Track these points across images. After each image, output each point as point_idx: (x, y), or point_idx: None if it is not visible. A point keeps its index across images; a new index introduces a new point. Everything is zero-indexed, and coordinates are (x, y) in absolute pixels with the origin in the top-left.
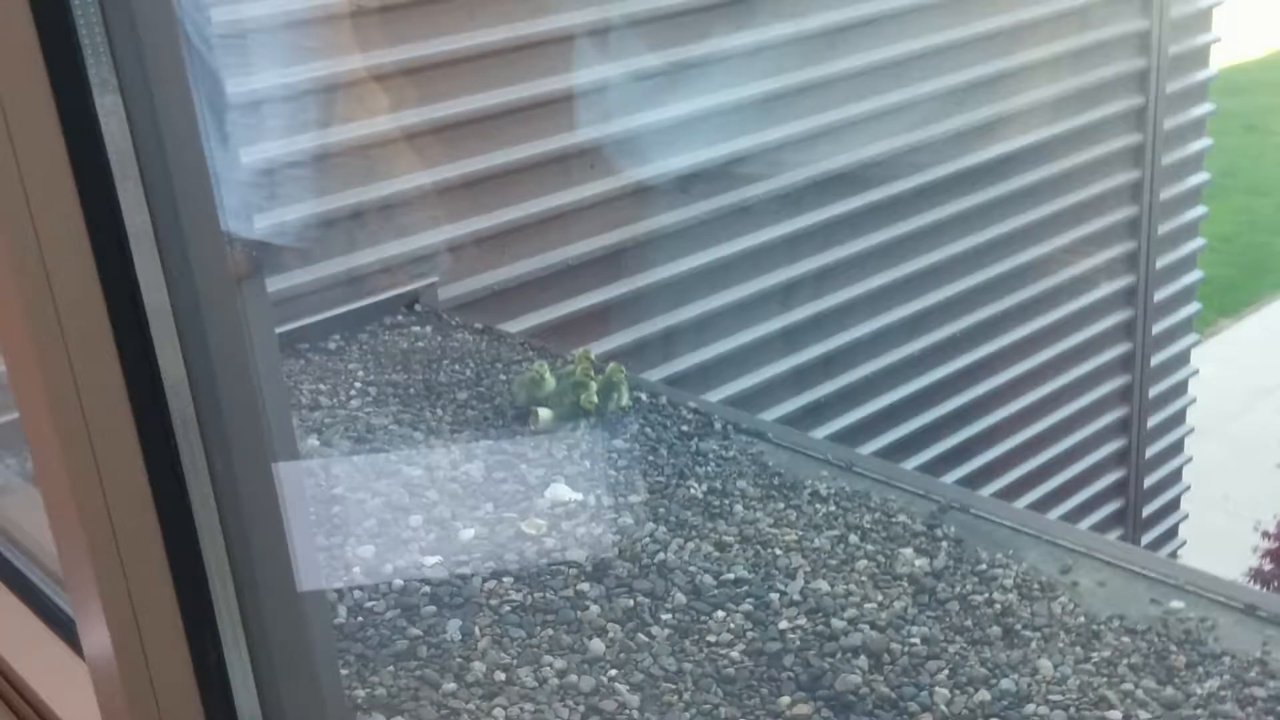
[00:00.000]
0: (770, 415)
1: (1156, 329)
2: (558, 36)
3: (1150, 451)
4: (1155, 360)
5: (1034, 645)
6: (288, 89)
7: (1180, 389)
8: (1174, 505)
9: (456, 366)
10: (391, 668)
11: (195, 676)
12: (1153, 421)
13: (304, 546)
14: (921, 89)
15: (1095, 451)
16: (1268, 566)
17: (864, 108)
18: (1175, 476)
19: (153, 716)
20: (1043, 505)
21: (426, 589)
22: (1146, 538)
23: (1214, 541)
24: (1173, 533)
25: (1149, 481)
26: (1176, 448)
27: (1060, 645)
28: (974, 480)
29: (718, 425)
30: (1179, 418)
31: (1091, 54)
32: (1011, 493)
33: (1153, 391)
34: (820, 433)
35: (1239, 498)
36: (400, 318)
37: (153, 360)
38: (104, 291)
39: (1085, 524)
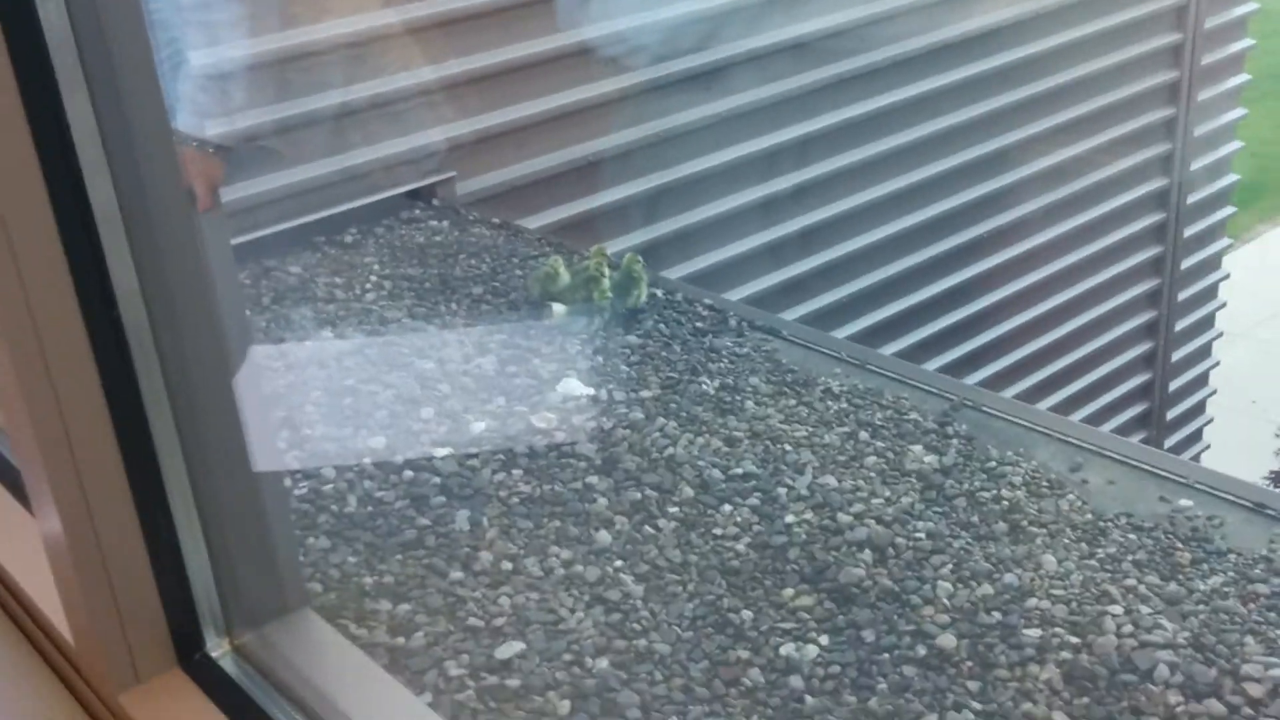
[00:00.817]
0: (792, 315)
1: (1188, 232)
2: None
3: (1177, 355)
4: (1185, 264)
5: (1039, 541)
6: None
7: (1210, 293)
8: (1199, 409)
9: (472, 261)
10: (400, 556)
11: (148, 553)
12: (1180, 325)
13: (259, 428)
14: None
15: (1122, 354)
16: None
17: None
18: (1201, 380)
19: (106, 593)
20: (1068, 407)
21: (436, 480)
22: (1170, 441)
23: (1240, 445)
24: (1197, 436)
25: (1174, 385)
26: (1204, 352)
27: (1065, 541)
28: (998, 381)
29: (733, 322)
30: (1207, 322)
31: None
32: (1036, 394)
33: (1182, 295)
34: (844, 332)
35: (1267, 401)
36: (418, 212)
37: (98, 247)
38: (50, 195)
39: (1109, 426)
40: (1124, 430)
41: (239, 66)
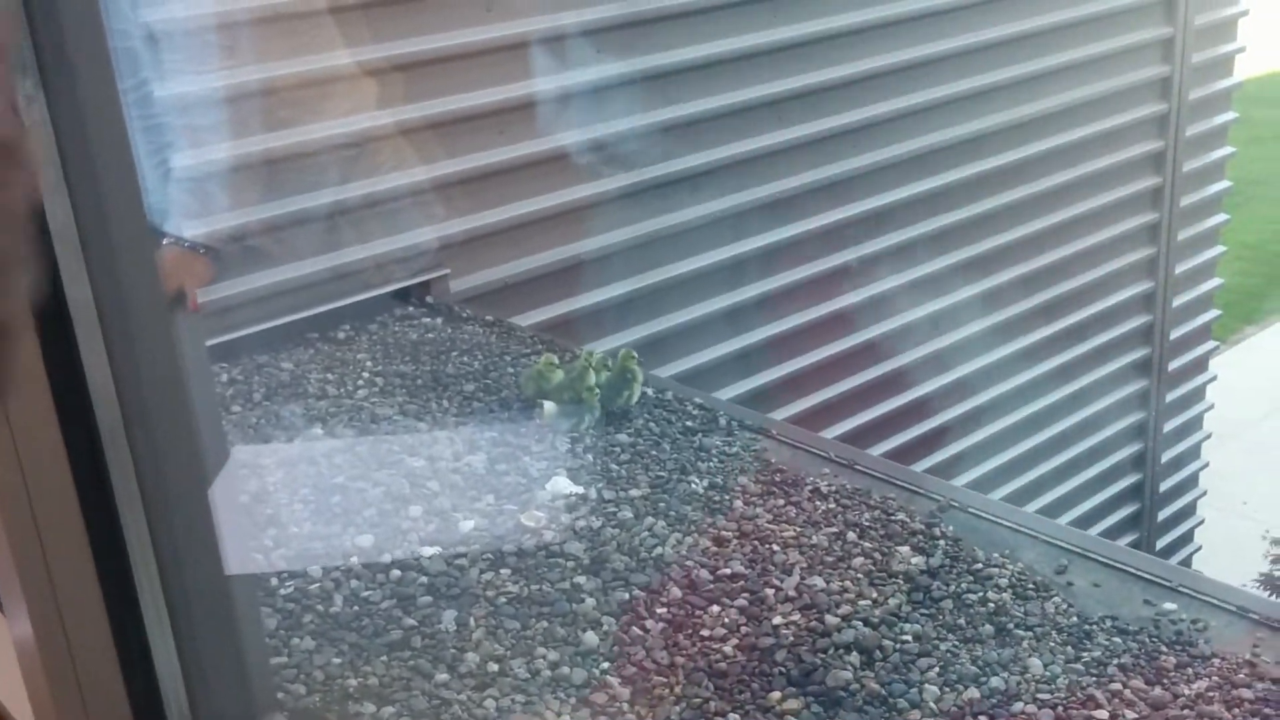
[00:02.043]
0: (783, 414)
1: (1175, 335)
2: (563, 33)
3: (1166, 456)
4: (1173, 365)
5: (1025, 644)
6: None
7: (1198, 394)
8: (1190, 510)
9: (465, 358)
10: (385, 657)
11: (118, 656)
12: (1170, 426)
13: (233, 531)
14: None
15: (1112, 455)
16: (1278, 572)
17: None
18: (1192, 481)
19: (75, 695)
20: (1058, 508)
21: (424, 579)
22: (1162, 542)
23: (1231, 546)
24: (1188, 537)
25: (1165, 486)
26: (1194, 453)
27: (1051, 644)
28: (986, 483)
29: (723, 421)
30: (1196, 423)
31: (1116, 60)
32: (1026, 496)
33: (1170, 396)
34: (834, 431)
35: (1258, 503)
36: (411, 309)
37: (74, 346)
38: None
39: (1100, 527)
40: (1115, 531)
41: (226, 168)
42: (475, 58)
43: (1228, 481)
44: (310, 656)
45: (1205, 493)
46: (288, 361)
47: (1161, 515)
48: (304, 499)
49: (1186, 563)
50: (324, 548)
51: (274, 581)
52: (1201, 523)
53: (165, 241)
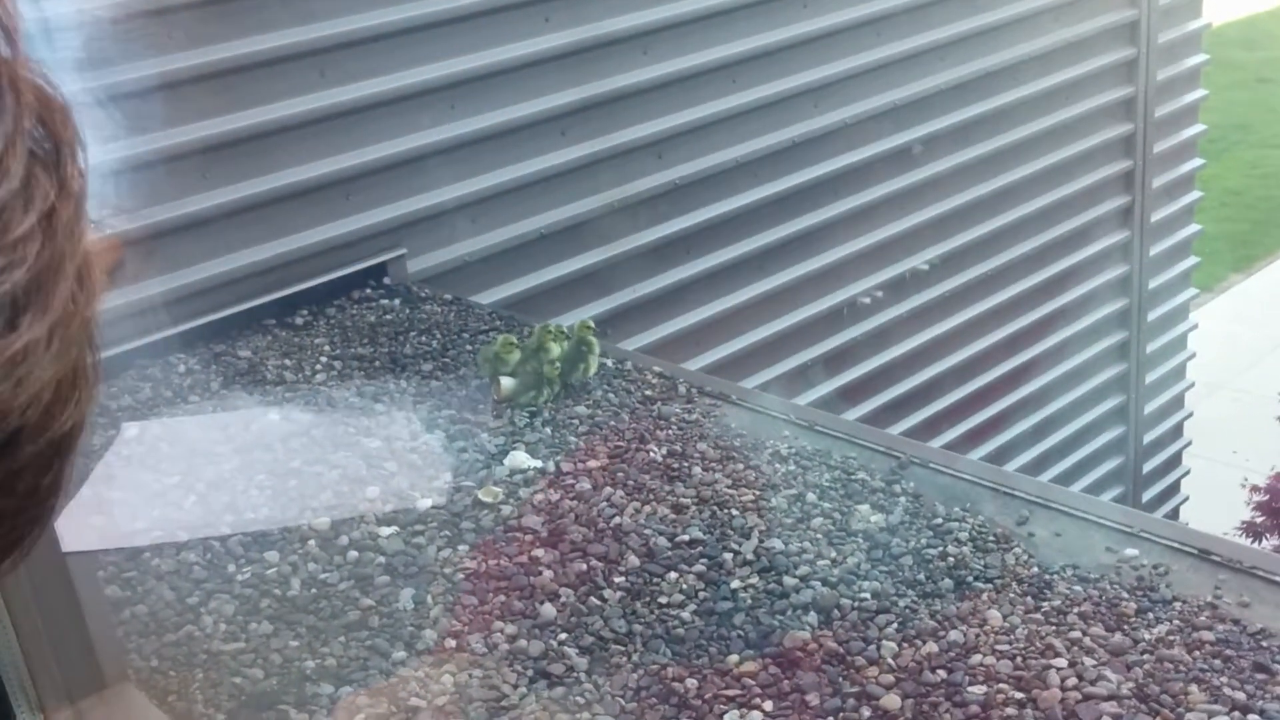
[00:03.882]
0: (752, 381)
1: (1153, 284)
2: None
3: (1150, 408)
4: (1152, 315)
5: (985, 597)
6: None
7: (1180, 344)
8: (1175, 461)
9: (423, 338)
10: (343, 638)
11: None
12: (1151, 377)
13: (78, 507)
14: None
15: (1093, 408)
16: (1259, 519)
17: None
18: (1176, 432)
19: None
20: (1040, 464)
21: (381, 559)
22: (1148, 494)
23: (1220, 496)
24: (1175, 488)
25: (1149, 438)
26: (1177, 403)
27: (1011, 596)
28: (967, 441)
29: (682, 389)
30: (1179, 372)
31: (1082, 6)
32: (1007, 452)
33: (1151, 347)
34: (807, 398)
35: (1247, 451)
36: (369, 291)
37: None
38: None
39: (1084, 482)
40: (1100, 485)
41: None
42: (422, 31)
43: (1216, 430)
44: (268, 640)
45: (1190, 443)
46: (245, 349)
47: (1147, 467)
48: (260, 485)
49: (1174, 514)
50: (280, 533)
51: (230, 568)
52: (1188, 473)
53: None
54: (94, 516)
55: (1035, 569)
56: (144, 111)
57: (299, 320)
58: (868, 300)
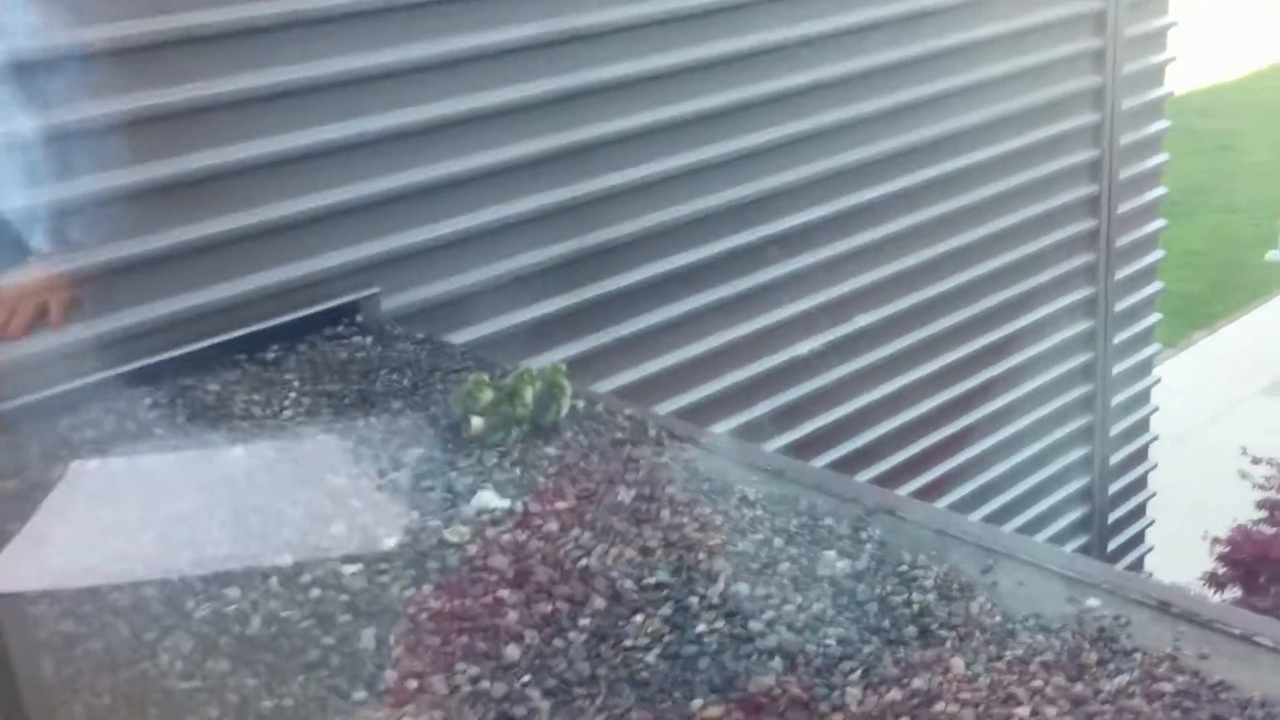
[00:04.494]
0: (723, 426)
1: (1118, 339)
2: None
3: (1115, 459)
4: (1117, 369)
5: (949, 644)
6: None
7: (1144, 398)
8: (1140, 511)
9: (394, 376)
10: (302, 677)
11: None
12: (1116, 429)
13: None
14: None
15: (1058, 459)
16: (1222, 570)
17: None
18: (1141, 483)
19: None
20: (1005, 514)
21: (344, 597)
22: (1114, 543)
23: (1183, 547)
24: (1140, 538)
25: (1114, 488)
26: (1141, 455)
27: (975, 644)
28: (931, 491)
29: (652, 432)
30: (1143, 425)
31: (1050, 71)
32: (972, 502)
33: (1115, 400)
34: (776, 444)
35: (1210, 504)
36: (341, 328)
37: None
38: None
39: (1049, 531)
40: (1066, 534)
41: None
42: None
43: (1179, 484)
44: (224, 679)
45: (1154, 494)
46: (214, 383)
47: (1112, 517)
48: (222, 522)
49: (1138, 564)
50: (242, 569)
51: (190, 604)
52: (1152, 523)
53: (29, 256)
54: (37, 554)
55: (999, 618)
56: (120, 146)
57: (269, 356)
58: (820, 351)
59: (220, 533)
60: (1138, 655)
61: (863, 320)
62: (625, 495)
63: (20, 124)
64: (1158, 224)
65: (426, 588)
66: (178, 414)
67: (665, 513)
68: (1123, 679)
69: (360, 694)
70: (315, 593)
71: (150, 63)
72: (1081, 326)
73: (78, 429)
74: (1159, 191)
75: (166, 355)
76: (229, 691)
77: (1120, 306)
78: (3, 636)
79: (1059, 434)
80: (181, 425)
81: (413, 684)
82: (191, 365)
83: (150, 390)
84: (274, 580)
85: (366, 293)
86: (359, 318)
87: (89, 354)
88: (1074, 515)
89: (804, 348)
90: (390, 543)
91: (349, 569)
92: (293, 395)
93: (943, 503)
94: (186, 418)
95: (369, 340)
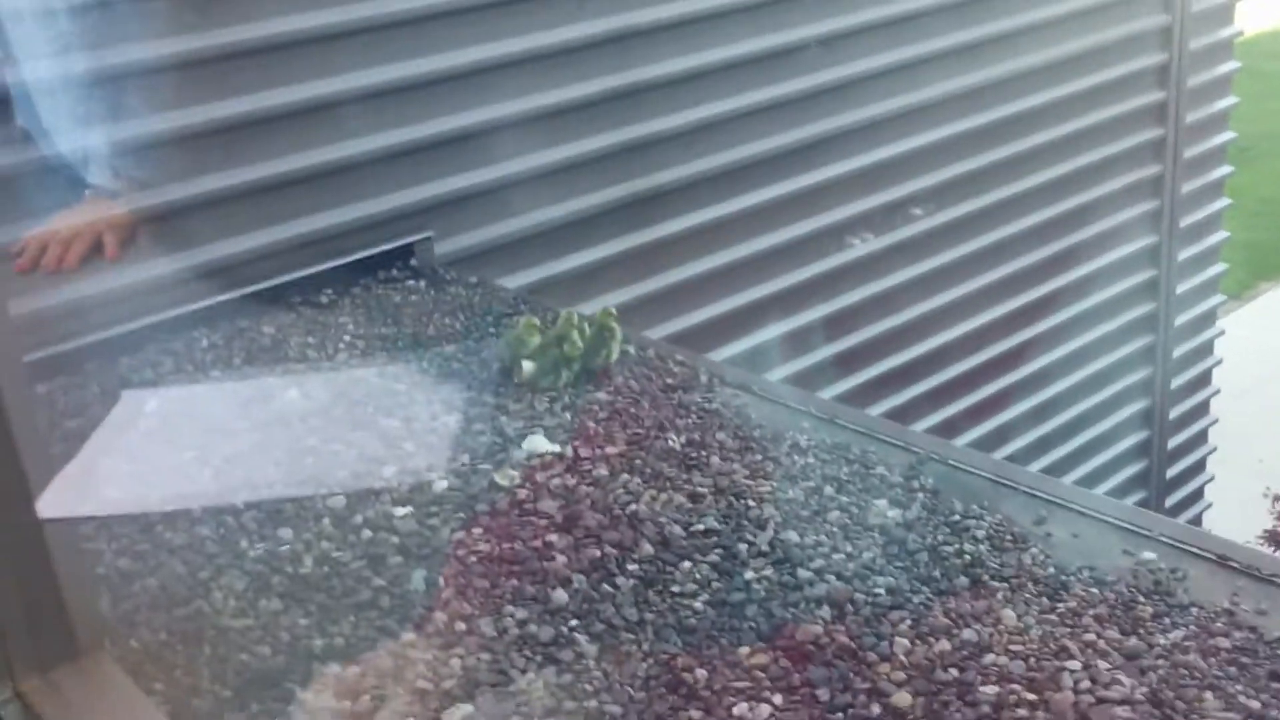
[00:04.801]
0: (778, 374)
1: (1181, 289)
2: None
3: (1175, 413)
4: (1179, 320)
5: (1000, 596)
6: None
7: (1206, 350)
8: (1200, 467)
9: (446, 320)
10: (353, 618)
11: None
12: (1177, 382)
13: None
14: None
15: (1117, 412)
16: None
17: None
18: (1201, 438)
19: None
20: (1063, 466)
21: (395, 539)
22: (1171, 500)
23: (1244, 504)
24: (1199, 495)
25: (1173, 443)
26: (1202, 409)
27: (1027, 596)
28: (990, 441)
29: (704, 378)
30: (1205, 379)
31: (1113, 10)
32: (1030, 454)
33: (1177, 352)
34: (833, 391)
35: (1273, 459)
36: (395, 272)
37: None
38: None
39: (1107, 485)
40: (1123, 489)
41: (184, 134)
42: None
43: (1242, 439)
44: (277, 618)
45: (1215, 449)
46: (269, 326)
47: (1170, 473)
48: (277, 461)
49: (1196, 521)
50: (295, 510)
51: (243, 544)
52: (1211, 479)
53: (87, 192)
54: (86, 483)
55: (1051, 569)
56: (177, 87)
57: (324, 299)
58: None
59: (274, 472)
60: (1194, 610)
61: (927, 263)
62: (675, 441)
63: (79, 63)
64: (1225, 170)
65: (476, 531)
66: (234, 355)
67: (715, 459)
68: (1178, 634)
69: (409, 635)
70: (367, 534)
71: (209, 3)
72: (1143, 276)
73: (136, 369)
74: (1227, 136)
75: (223, 297)
76: (281, 630)
77: (1184, 255)
78: (58, 568)
79: (1118, 386)
80: (237, 366)
81: (461, 626)
82: (248, 308)
83: (207, 332)
84: (326, 521)
85: (420, 236)
86: (412, 261)
87: (147, 296)
88: (1132, 470)
89: (859, 295)
90: (441, 485)
91: (400, 511)
92: (346, 338)
93: (998, 454)
94: (242, 359)
95: (422, 284)
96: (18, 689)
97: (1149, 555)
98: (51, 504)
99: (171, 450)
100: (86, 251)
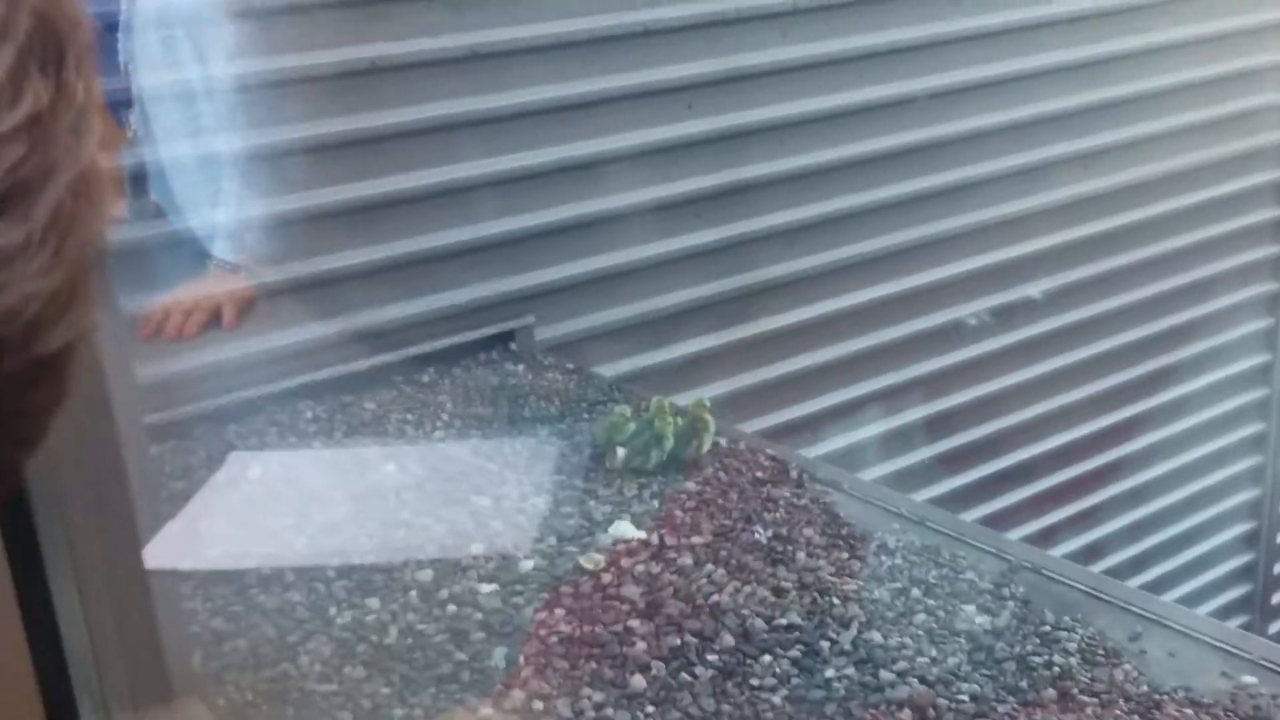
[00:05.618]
0: (873, 473)
1: None
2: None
3: None
4: None
5: (1089, 711)
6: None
7: None
8: None
9: (542, 404)
10: (433, 689)
11: (22, 621)
12: None
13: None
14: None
15: (1221, 533)
16: None
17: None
18: None
19: None
20: (1162, 585)
21: (479, 615)
22: (1275, 626)
23: None
24: None
25: (1279, 568)
26: None
27: (1117, 713)
28: (1087, 555)
29: (794, 473)
30: None
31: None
32: (1129, 570)
33: None
34: (924, 494)
35: None
36: (494, 355)
37: None
38: None
39: (1208, 607)
40: (1225, 613)
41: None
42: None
43: None
44: (360, 685)
45: None
46: (371, 402)
47: (1276, 599)
48: (370, 533)
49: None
50: (384, 580)
51: (332, 610)
52: None
53: (211, 264)
54: (188, 539)
55: (1145, 687)
56: (300, 170)
57: (425, 378)
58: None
59: (367, 543)
60: None
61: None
62: (761, 534)
63: (209, 145)
64: None
65: (559, 612)
66: (335, 429)
67: (801, 554)
68: None
69: (487, 710)
70: (451, 609)
71: (335, 94)
72: (1255, 394)
73: (242, 437)
74: None
75: (329, 373)
76: (363, 698)
77: None
78: (158, 614)
79: (1222, 506)
80: (338, 439)
81: (539, 705)
82: (352, 384)
83: (312, 405)
84: (413, 594)
85: (521, 322)
86: (512, 345)
87: (257, 367)
88: (1235, 593)
89: (961, 399)
90: (527, 566)
91: (486, 588)
92: (445, 417)
93: (1095, 568)
94: (344, 432)
95: (520, 368)
96: None
97: (1249, 679)
98: (156, 555)
99: (270, 515)
100: (207, 321)
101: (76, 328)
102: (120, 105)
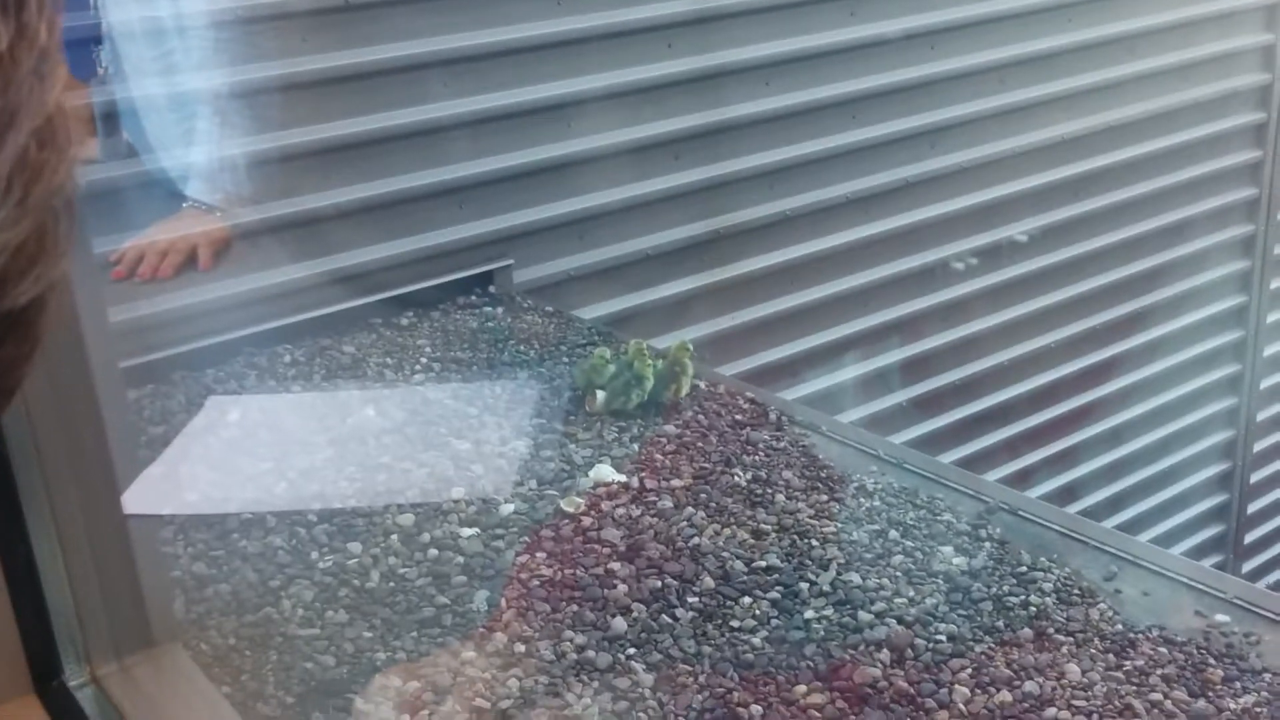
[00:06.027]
0: (852, 416)
1: (1267, 352)
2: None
3: (1256, 477)
4: (1265, 384)
5: (1065, 650)
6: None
7: None
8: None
9: (521, 347)
10: (415, 633)
11: (3, 573)
12: (1260, 446)
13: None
14: None
15: (1197, 473)
16: None
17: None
18: None
19: None
20: (1137, 525)
21: (460, 559)
22: (1249, 565)
23: None
24: (1278, 562)
25: (1253, 508)
26: None
27: (1092, 651)
28: (1062, 496)
29: (773, 416)
30: None
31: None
32: (1105, 510)
33: (1261, 416)
34: (902, 437)
35: None
36: (474, 298)
37: None
38: None
39: (1183, 547)
40: (1199, 552)
41: (285, 154)
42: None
43: None
44: (342, 630)
45: None
46: (349, 345)
47: (1249, 539)
48: (350, 476)
49: (1276, 587)
50: (365, 524)
51: (314, 555)
52: None
53: (185, 205)
54: (167, 484)
55: (1119, 626)
56: (273, 110)
57: (404, 321)
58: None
59: (347, 487)
60: (1266, 675)
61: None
62: (741, 477)
63: (182, 83)
64: None
65: (540, 555)
66: (314, 372)
67: (780, 497)
68: (1248, 699)
69: (470, 653)
70: (433, 553)
71: (311, 31)
72: (1230, 336)
73: (221, 381)
74: None
75: (307, 315)
76: (345, 641)
77: (1273, 319)
78: (138, 561)
79: (1197, 448)
80: (317, 383)
81: (520, 648)
82: (330, 326)
83: (290, 348)
84: (395, 538)
85: (500, 264)
86: (491, 288)
87: (234, 311)
88: (1209, 532)
89: (935, 342)
90: (508, 509)
91: (467, 532)
92: (424, 360)
93: (1071, 509)
94: (323, 375)
95: (499, 311)
96: (94, 674)
97: (1222, 617)
98: (135, 500)
99: (250, 459)
100: (181, 263)
101: (45, 280)
102: (90, 42)
